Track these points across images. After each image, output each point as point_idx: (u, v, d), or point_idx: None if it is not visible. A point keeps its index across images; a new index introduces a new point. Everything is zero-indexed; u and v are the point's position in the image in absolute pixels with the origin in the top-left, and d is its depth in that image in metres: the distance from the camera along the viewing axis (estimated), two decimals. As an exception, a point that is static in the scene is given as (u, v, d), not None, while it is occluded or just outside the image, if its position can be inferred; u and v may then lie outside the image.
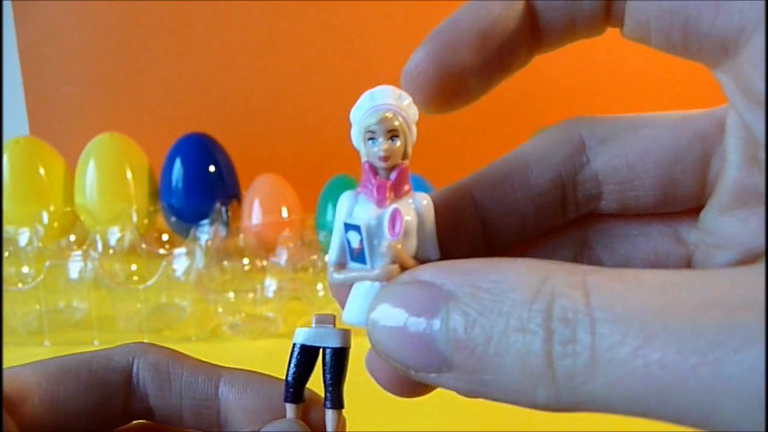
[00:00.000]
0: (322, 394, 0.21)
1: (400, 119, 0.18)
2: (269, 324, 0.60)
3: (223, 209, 0.75)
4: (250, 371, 0.23)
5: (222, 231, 0.72)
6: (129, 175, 0.78)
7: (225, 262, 0.69)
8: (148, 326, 0.60)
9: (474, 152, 0.91)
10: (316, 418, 0.21)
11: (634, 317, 0.13)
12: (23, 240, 0.71)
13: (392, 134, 0.18)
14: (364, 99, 0.18)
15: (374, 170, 0.18)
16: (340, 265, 0.19)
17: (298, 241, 0.72)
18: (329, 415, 0.21)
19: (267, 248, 0.70)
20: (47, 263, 0.60)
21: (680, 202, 0.20)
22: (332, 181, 0.75)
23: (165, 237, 0.78)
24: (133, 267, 0.70)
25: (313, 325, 0.21)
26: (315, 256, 0.69)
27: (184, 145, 0.78)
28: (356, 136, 0.18)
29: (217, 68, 0.93)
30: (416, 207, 0.18)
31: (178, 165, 0.77)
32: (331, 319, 0.21)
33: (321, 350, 0.21)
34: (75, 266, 0.63)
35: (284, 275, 0.63)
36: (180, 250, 0.65)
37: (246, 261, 0.69)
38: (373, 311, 0.16)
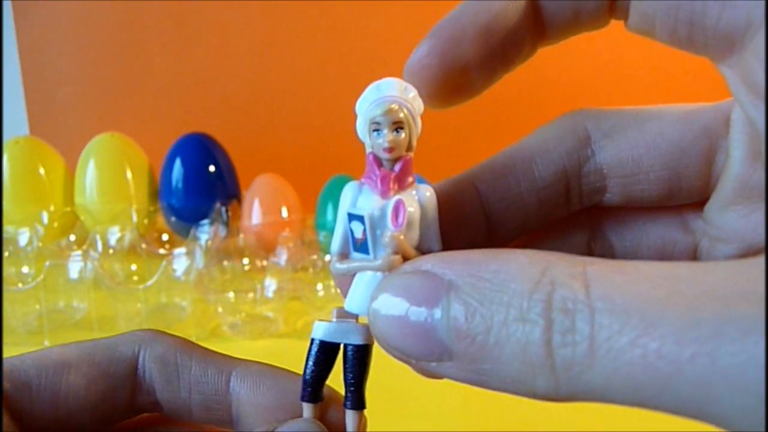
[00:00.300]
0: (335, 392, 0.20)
1: (405, 111, 0.18)
2: (269, 324, 0.60)
3: (223, 209, 0.75)
4: (264, 364, 0.22)
5: (222, 231, 0.72)
6: (129, 175, 0.78)
7: (225, 262, 0.68)
8: (148, 326, 0.59)
9: (474, 149, 0.91)
10: (335, 418, 0.20)
11: (633, 308, 0.13)
12: (23, 240, 0.71)
13: (397, 126, 0.18)
14: (370, 90, 0.18)
15: (378, 161, 0.18)
16: (343, 255, 0.19)
17: (298, 241, 0.72)
18: (350, 416, 0.20)
19: (267, 248, 0.70)
20: (47, 263, 0.60)
21: (685, 196, 0.20)
22: (332, 181, 0.75)
23: (165, 237, 0.78)
24: (133, 267, 0.70)
25: (334, 318, 0.20)
26: (315, 256, 0.69)
27: (184, 145, 0.78)
28: (361, 128, 0.18)
29: (217, 68, 0.93)
30: (420, 198, 0.18)
31: (178, 165, 0.77)
32: (354, 314, 0.19)
33: (342, 347, 0.19)
34: (75, 266, 0.63)
35: (284, 275, 0.63)
36: (180, 250, 0.65)
37: (246, 261, 0.69)
38: (374, 301, 0.16)
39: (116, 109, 0.96)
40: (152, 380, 0.21)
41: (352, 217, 0.18)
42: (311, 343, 0.20)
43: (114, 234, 0.72)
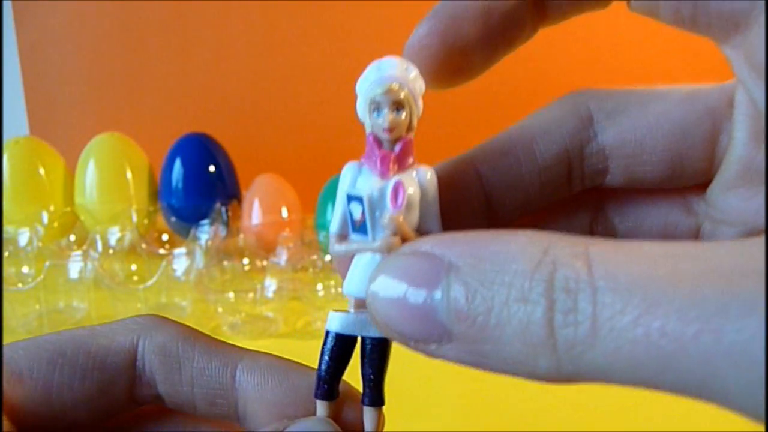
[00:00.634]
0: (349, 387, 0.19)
1: (406, 91, 0.17)
2: (269, 324, 0.60)
3: (223, 209, 0.75)
4: (274, 357, 0.21)
5: (222, 231, 0.72)
6: (129, 175, 0.78)
7: (225, 262, 0.68)
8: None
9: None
10: (351, 417, 0.19)
11: (636, 286, 0.12)
12: (23, 240, 0.71)
13: (397, 106, 0.17)
14: (371, 70, 0.18)
15: (378, 142, 0.18)
16: (342, 237, 0.18)
17: (298, 241, 0.71)
18: (368, 413, 0.19)
19: (267, 248, 0.70)
20: (47, 263, 0.60)
21: (688, 178, 0.20)
22: (332, 181, 0.75)
23: (165, 237, 0.78)
24: (133, 267, 0.70)
25: (351, 309, 0.18)
26: (315, 256, 0.69)
27: (184, 145, 0.78)
28: (361, 108, 0.18)
29: (217, 68, 0.93)
30: (419, 180, 0.18)
31: (178, 165, 0.77)
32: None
33: (360, 340, 0.18)
34: (75, 266, 0.63)
35: (284, 275, 0.63)
36: (180, 250, 0.65)
37: (246, 261, 0.69)
38: (373, 282, 0.16)
39: (116, 109, 0.96)
40: (152, 372, 0.20)
41: (351, 198, 0.17)
42: (326, 336, 0.19)
43: (114, 234, 0.72)
